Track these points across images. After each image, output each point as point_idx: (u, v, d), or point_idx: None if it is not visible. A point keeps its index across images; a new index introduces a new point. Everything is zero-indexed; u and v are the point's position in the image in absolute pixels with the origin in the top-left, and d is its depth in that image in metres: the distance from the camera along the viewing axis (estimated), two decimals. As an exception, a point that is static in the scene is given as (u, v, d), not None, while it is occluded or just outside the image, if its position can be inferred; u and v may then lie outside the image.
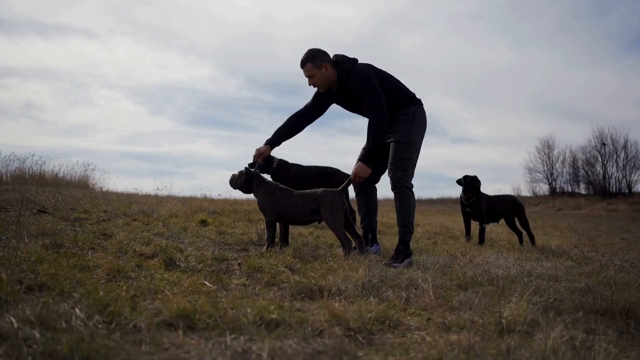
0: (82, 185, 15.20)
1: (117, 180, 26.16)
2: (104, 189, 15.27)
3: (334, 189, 4.17)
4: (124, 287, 2.18)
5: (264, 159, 6.98)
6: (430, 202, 39.89)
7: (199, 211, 7.19)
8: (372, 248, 4.50)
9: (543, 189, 44.34)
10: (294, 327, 1.98)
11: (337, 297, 2.68)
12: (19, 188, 7.72)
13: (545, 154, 44.27)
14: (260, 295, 2.56)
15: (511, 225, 6.96)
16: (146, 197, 10.21)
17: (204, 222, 5.86)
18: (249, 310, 2.04)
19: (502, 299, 2.66)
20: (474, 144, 65.03)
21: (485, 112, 67.09)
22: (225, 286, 2.72)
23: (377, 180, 4.62)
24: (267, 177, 7.21)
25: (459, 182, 6.58)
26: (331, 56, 4.31)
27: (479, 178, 6.53)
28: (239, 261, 3.44)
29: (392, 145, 4.22)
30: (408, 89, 4.36)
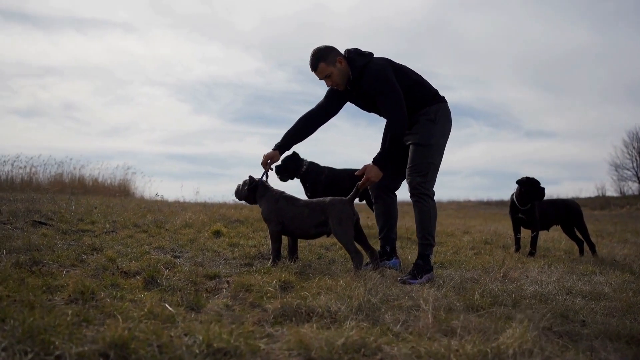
0: (122, 191, 15.70)
1: (160, 185, 26.83)
2: (145, 196, 15.79)
3: (343, 198, 4.14)
4: (70, 311, 2.23)
5: (291, 162, 7.05)
6: (500, 204, 38.94)
7: (220, 220, 7.29)
8: (390, 262, 4.45)
9: (632, 188, 42.44)
10: (244, 357, 1.98)
11: (324, 320, 2.67)
12: (28, 197, 8.05)
13: (634, 148, 42.43)
14: (233, 319, 2.57)
15: (569, 233, 6.72)
16: (170, 205, 10.45)
17: (217, 233, 5.94)
18: (200, 338, 2.05)
19: (508, 323, 2.57)
20: (552, 138, 63.07)
21: (564, 102, 64.95)
22: (200, 308, 2.75)
23: (397, 187, 4.56)
24: (297, 180, 7.31)
25: (519, 182, 6.32)
26: (342, 52, 4.28)
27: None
28: (228, 279, 3.47)
29: (411, 148, 4.17)
30: (430, 85, 4.30)
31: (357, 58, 4.19)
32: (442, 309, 2.91)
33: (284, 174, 7.16)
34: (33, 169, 14.72)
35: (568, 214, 6.57)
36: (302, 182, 7.31)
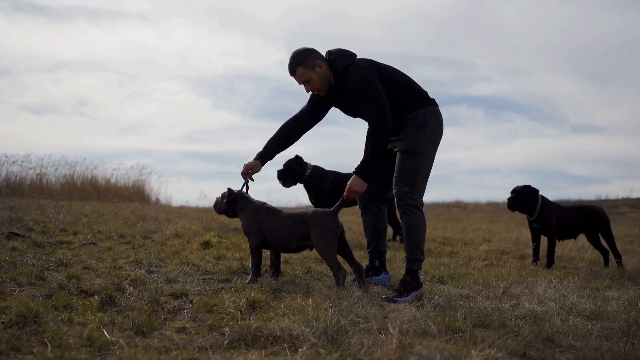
0: (137, 193, 15.86)
1: (177, 186, 26.89)
2: (161, 200, 16.00)
3: (327, 209, 4.18)
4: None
5: (294, 166, 7.08)
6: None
7: (215, 228, 7.33)
8: (378, 278, 4.46)
9: (689, 187, 41.61)
10: (169, 390, 2.02)
11: (282, 345, 2.70)
12: (14, 205, 8.23)
13: (691, 142, 41.56)
14: (183, 345, 2.62)
15: (593, 242, 6.63)
16: (170, 211, 10.57)
17: (206, 244, 5.99)
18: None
19: (469, 351, 2.57)
20: (601, 133, 61.53)
21: (613, 93, 63.26)
22: (151, 331, 2.79)
23: (386, 197, 4.58)
24: (299, 186, 7.34)
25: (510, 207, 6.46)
26: (323, 54, 4.29)
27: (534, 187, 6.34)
28: (192, 298, 3.53)
29: (398, 155, 4.17)
30: (419, 87, 4.29)
31: (339, 60, 4.19)
32: (411, 333, 2.90)
33: (287, 179, 7.18)
34: (43, 170, 14.76)
35: (594, 220, 6.48)
36: (306, 188, 7.33)
